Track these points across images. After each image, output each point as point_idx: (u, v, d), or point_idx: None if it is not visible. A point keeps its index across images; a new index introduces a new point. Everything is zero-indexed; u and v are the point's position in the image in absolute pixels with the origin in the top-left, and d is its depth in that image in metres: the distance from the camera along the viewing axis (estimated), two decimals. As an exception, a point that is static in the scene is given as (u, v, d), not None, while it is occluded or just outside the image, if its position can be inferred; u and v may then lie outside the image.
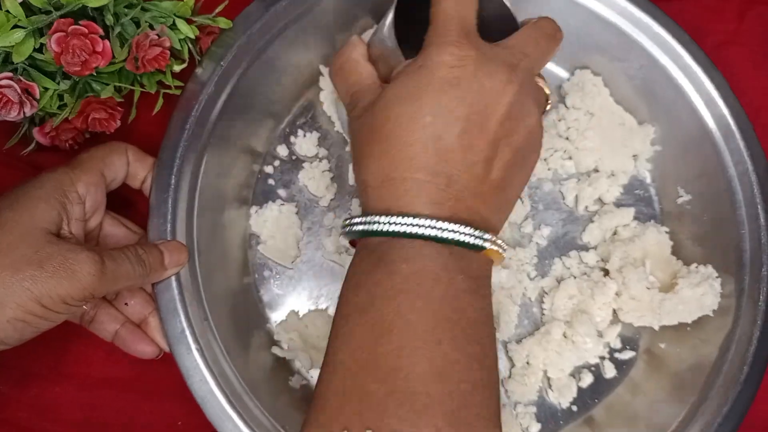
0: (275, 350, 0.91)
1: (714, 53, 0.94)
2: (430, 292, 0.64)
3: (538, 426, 0.92)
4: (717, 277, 0.89)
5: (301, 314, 0.93)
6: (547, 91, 0.75)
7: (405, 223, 0.66)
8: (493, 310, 0.72)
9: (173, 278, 0.82)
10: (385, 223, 0.66)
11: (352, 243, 0.76)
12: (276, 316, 0.93)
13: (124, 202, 0.89)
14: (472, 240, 0.66)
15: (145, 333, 0.86)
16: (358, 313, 0.66)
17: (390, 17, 0.75)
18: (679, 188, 0.96)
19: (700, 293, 0.88)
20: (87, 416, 0.90)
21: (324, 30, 0.94)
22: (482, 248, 0.67)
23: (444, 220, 0.65)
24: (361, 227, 0.69)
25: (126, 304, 0.86)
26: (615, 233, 0.96)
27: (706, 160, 0.93)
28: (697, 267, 0.90)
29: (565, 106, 0.99)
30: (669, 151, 0.97)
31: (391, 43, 0.74)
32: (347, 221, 0.71)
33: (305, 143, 0.97)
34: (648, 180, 0.99)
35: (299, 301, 0.94)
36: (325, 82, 0.96)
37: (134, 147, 0.85)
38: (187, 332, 0.81)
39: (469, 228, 0.66)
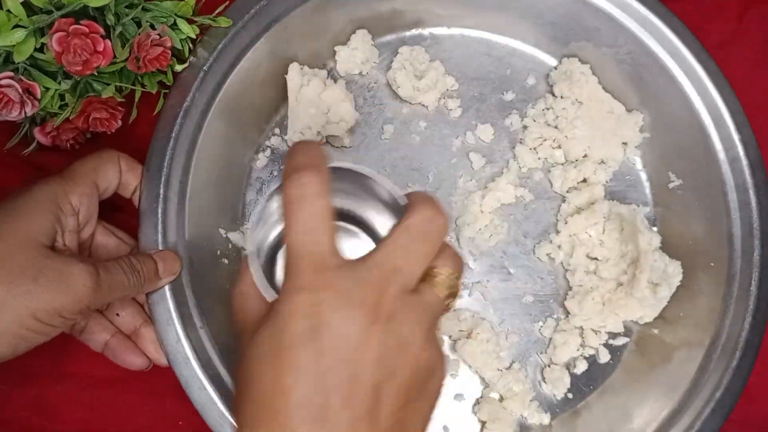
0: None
1: (714, 53, 0.94)
2: None
3: (547, 416, 0.93)
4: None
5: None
6: (443, 294, 0.65)
7: None
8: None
9: (167, 288, 0.82)
10: None
11: None
12: None
13: (114, 210, 0.89)
14: None
15: (136, 344, 0.86)
16: None
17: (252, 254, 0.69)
18: (670, 173, 0.96)
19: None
20: (87, 416, 0.90)
21: (315, 22, 0.94)
22: None
23: None
24: None
25: (117, 314, 0.86)
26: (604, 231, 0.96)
27: (696, 146, 0.93)
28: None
29: (553, 95, 0.99)
30: (659, 137, 0.98)
31: (255, 276, 0.68)
32: None
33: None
34: (638, 165, 1.00)
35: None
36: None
37: (126, 155, 0.84)
38: (184, 342, 0.81)
39: None
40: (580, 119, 0.96)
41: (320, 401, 0.57)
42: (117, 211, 0.89)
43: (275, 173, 0.97)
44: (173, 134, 0.85)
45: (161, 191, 0.84)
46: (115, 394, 0.90)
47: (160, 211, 0.84)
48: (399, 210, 0.67)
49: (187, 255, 0.84)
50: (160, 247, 0.83)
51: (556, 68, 1.01)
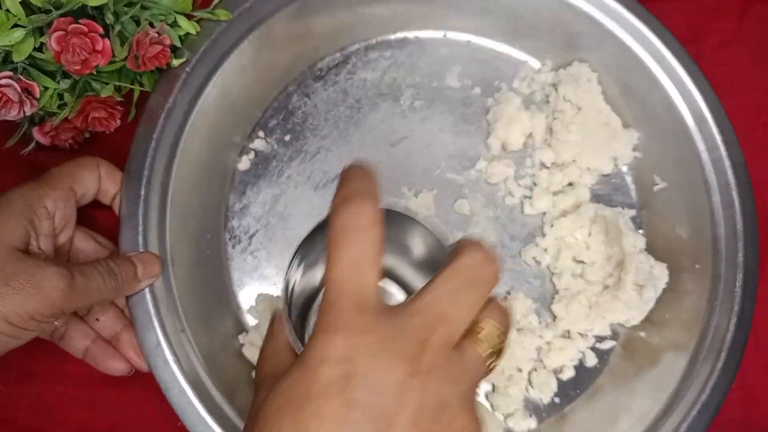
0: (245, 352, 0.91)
1: (714, 53, 0.95)
2: None
3: (534, 421, 0.93)
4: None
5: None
6: (485, 352, 0.59)
7: None
8: None
9: (147, 290, 0.82)
10: None
11: None
12: (253, 321, 0.94)
13: (95, 216, 0.90)
14: None
15: (117, 350, 0.86)
16: None
17: (282, 294, 0.68)
18: (655, 176, 0.96)
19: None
20: (87, 416, 0.90)
21: (299, 24, 0.95)
22: None
23: None
24: None
25: (97, 319, 0.86)
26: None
27: (680, 148, 0.93)
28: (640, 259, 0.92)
29: (556, 92, 0.99)
30: (645, 140, 0.98)
31: (286, 326, 0.68)
32: None
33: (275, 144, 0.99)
34: (624, 169, 1.00)
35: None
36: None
37: (106, 162, 0.84)
38: (164, 345, 0.81)
39: None
40: (575, 124, 0.97)
41: None
42: (100, 221, 0.90)
43: (259, 175, 0.98)
44: (155, 135, 0.85)
45: (142, 193, 0.84)
46: (115, 394, 0.90)
47: (140, 213, 0.83)
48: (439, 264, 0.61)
49: (169, 258, 0.85)
50: (141, 249, 0.83)
51: (539, 71, 1.02)
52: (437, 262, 0.63)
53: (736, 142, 0.91)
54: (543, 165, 0.99)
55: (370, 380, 0.52)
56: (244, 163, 0.98)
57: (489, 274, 0.59)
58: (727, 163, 0.90)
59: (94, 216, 0.88)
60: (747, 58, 1.06)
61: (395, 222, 0.67)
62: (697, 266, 0.91)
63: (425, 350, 0.54)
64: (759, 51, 1.06)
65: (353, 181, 0.60)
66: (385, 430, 0.51)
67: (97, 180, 0.84)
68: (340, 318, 0.54)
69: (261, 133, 0.99)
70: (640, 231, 0.97)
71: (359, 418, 0.51)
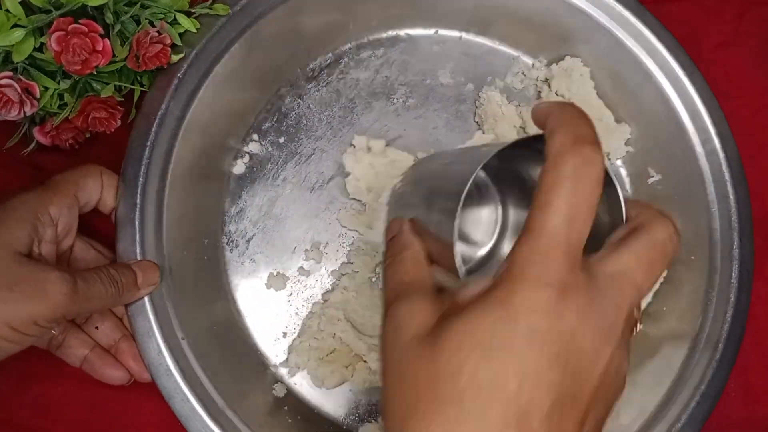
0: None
1: (714, 53, 0.95)
2: None
3: None
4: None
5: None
6: (637, 315, 0.59)
7: None
8: None
9: (146, 300, 0.82)
10: None
11: None
12: (253, 326, 0.94)
13: (94, 225, 0.89)
14: None
15: (115, 358, 0.86)
16: None
17: (456, 222, 0.62)
18: (649, 168, 0.96)
19: None
20: (87, 416, 0.90)
21: (291, 25, 0.95)
22: None
23: None
24: None
25: (96, 328, 0.87)
26: None
27: (674, 140, 0.93)
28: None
29: (548, 87, 0.99)
30: (638, 134, 0.98)
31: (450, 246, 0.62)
32: None
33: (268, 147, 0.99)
34: (618, 161, 1.00)
35: (277, 308, 0.95)
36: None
37: (109, 171, 0.84)
38: (165, 353, 0.81)
39: None
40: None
41: (536, 421, 0.51)
42: (99, 230, 0.90)
43: (254, 178, 0.98)
44: (148, 143, 0.85)
45: (138, 201, 0.83)
46: (115, 394, 0.90)
47: (137, 221, 0.83)
48: None
49: (166, 265, 0.84)
50: (138, 258, 0.83)
51: (531, 66, 1.02)
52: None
53: (730, 135, 0.91)
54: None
55: (576, 343, 0.52)
56: (239, 167, 0.97)
57: (676, 249, 0.60)
58: (721, 155, 0.91)
59: (92, 224, 0.88)
60: (746, 58, 1.06)
61: None
62: (693, 258, 0.91)
63: (619, 319, 0.55)
64: (758, 51, 1.07)
65: (586, 123, 0.57)
66: (579, 388, 0.53)
67: (99, 188, 0.83)
68: (553, 271, 0.52)
69: (255, 136, 0.98)
70: (636, 223, 0.96)
71: (561, 375, 0.51)
